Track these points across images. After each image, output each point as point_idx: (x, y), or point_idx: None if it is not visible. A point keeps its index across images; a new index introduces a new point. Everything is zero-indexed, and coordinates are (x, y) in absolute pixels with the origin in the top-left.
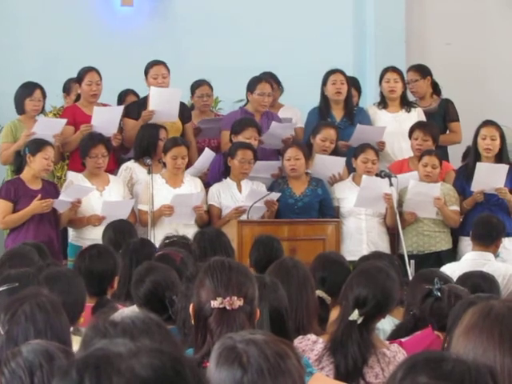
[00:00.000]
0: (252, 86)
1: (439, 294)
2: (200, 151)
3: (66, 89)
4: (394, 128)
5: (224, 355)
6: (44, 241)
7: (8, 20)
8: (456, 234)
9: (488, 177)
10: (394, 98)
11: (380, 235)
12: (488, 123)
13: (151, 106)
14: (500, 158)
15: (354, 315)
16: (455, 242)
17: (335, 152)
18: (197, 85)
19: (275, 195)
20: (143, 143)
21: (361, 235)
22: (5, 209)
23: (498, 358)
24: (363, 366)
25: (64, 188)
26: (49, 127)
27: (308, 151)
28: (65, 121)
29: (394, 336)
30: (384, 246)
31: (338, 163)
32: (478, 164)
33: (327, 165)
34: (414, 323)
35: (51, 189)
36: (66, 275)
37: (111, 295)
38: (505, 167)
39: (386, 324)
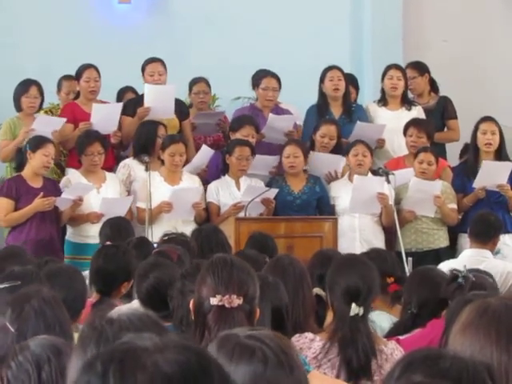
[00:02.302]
0: (258, 80)
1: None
2: (196, 148)
3: (58, 86)
4: (394, 125)
5: (238, 352)
6: (45, 238)
7: (6, 18)
8: (455, 230)
9: (491, 174)
10: (396, 96)
11: (374, 233)
12: (487, 119)
13: (146, 103)
14: (499, 153)
15: (355, 310)
16: (454, 239)
17: (339, 148)
18: (194, 82)
19: (273, 191)
20: (141, 140)
21: (354, 233)
22: (6, 207)
23: (494, 356)
24: (372, 357)
25: (62, 185)
26: (48, 125)
27: (310, 149)
28: (64, 119)
29: (392, 334)
30: (378, 244)
31: (334, 161)
32: (484, 162)
33: (323, 163)
34: (412, 321)
35: (52, 186)
36: (67, 271)
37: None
38: (509, 165)
39: (384, 321)
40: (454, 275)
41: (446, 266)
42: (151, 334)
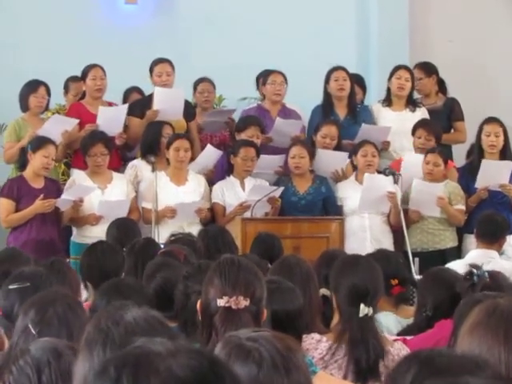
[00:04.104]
0: (265, 78)
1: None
2: (202, 148)
3: (65, 87)
4: (397, 126)
5: (234, 353)
6: (46, 239)
7: (11, 18)
8: (461, 231)
9: (492, 174)
10: (402, 96)
11: (383, 233)
12: (491, 120)
13: (155, 105)
14: (504, 154)
15: (364, 310)
16: (459, 240)
17: (339, 149)
18: (198, 81)
19: (279, 190)
20: (147, 140)
21: (364, 233)
22: (7, 207)
23: (502, 356)
24: (382, 357)
25: (67, 186)
26: (61, 124)
27: (312, 150)
28: (77, 121)
29: (404, 335)
30: (387, 244)
31: (340, 158)
32: (484, 161)
33: (329, 160)
34: (426, 324)
35: (53, 187)
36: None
37: None
38: (509, 164)
39: (391, 322)
40: (470, 272)
41: (452, 267)
42: (163, 339)
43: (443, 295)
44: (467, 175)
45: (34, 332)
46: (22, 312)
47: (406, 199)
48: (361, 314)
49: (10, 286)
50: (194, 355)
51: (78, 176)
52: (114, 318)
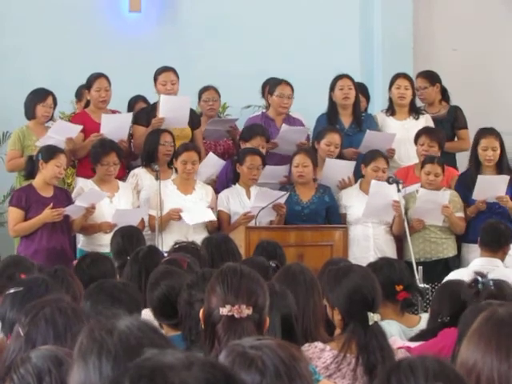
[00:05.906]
0: (272, 88)
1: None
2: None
3: (78, 95)
4: (402, 135)
5: (238, 361)
6: (56, 248)
7: (16, 26)
8: (459, 240)
9: (489, 187)
10: (403, 105)
11: (386, 242)
12: (487, 133)
13: (161, 113)
14: (500, 165)
15: (373, 318)
16: (459, 249)
17: (340, 157)
18: (203, 90)
19: (285, 195)
20: (145, 149)
21: (367, 242)
22: (16, 216)
23: (494, 364)
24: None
25: (75, 194)
26: (64, 131)
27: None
28: (81, 127)
29: (417, 340)
30: (390, 253)
31: (348, 167)
32: (480, 177)
33: (337, 168)
34: (441, 329)
35: (63, 196)
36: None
37: None
38: (505, 178)
39: (394, 330)
40: (475, 280)
41: (456, 275)
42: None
43: (458, 308)
44: (464, 186)
45: (22, 334)
46: (17, 318)
47: (404, 208)
48: (371, 322)
49: (6, 292)
50: (208, 368)
51: (85, 184)
52: (107, 327)
